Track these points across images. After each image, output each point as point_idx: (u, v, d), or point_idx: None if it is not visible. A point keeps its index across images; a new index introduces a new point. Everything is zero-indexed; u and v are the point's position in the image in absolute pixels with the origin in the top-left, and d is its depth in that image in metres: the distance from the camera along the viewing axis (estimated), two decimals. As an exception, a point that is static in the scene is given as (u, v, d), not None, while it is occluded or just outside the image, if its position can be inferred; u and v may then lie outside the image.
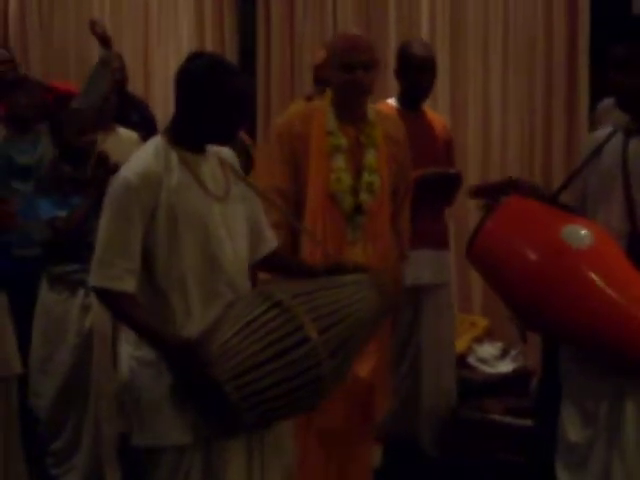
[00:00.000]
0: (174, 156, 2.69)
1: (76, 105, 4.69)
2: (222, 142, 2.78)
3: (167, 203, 2.64)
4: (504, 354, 4.98)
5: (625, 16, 4.68)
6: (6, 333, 3.72)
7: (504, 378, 4.84)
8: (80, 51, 6.87)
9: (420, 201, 3.88)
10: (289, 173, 3.46)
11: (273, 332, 2.55)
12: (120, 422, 3.73)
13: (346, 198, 3.44)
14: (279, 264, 2.99)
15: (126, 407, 2.75)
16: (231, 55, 6.40)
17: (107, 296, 2.67)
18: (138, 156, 2.72)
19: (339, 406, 3.37)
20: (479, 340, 5.08)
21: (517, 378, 4.85)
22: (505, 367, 4.91)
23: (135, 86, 6.17)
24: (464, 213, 5.50)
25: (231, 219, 2.76)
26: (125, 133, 4.91)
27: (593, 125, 4.45)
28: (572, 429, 3.04)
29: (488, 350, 4.99)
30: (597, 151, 3.07)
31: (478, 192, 3.28)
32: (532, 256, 2.87)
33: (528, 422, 4.28)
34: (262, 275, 3.25)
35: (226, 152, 2.86)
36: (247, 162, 4.43)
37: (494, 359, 4.95)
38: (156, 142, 2.74)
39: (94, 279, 2.66)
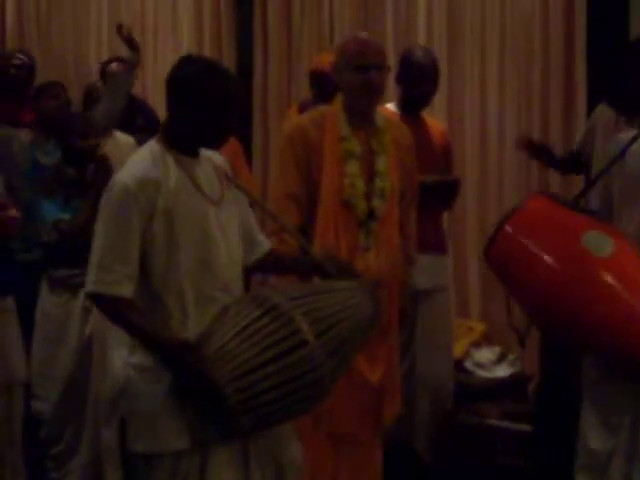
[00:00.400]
0: (170, 160, 2.70)
1: (103, 108, 4.70)
2: (213, 145, 2.78)
3: (165, 207, 2.64)
4: (501, 359, 4.98)
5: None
6: (13, 341, 3.73)
7: (501, 383, 4.84)
8: (78, 56, 6.89)
9: (419, 207, 3.87)
10: (301, 178, 3.45)
11: (270, 336, 2.55)
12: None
13: (360, 204, 3.41)
14: (275, 265, 3.00)
15: (121, 413, 2.75)
16: (229, 59, 6.40)
17: (104, 301, 2.66)
18: (134, 161, 2.72)
19: (349, 410, 3.36)
20: (476, 345, 5.08)
21: (514, 383, 4.85)
22: (502, 372, 4.91)
23: (133, 90, 6.15)
24: (462, 218, 5.51)
25: (225, 222, 2.76)
26: (122, 137, 4.89)
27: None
28: (593, 437, 3.01)
29: (485, 355, 4.98)
30: (621, 154, 3.03)
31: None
32: (551, 261, 2.86)
33: (525, 427, 4.27)
34: (256, 278, 3.24)
35: (218, 157, 2.86)
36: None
37: (491, 364, 4.95)
38: (151, 146, 2.74)
39: (92, 284, 2.65)
